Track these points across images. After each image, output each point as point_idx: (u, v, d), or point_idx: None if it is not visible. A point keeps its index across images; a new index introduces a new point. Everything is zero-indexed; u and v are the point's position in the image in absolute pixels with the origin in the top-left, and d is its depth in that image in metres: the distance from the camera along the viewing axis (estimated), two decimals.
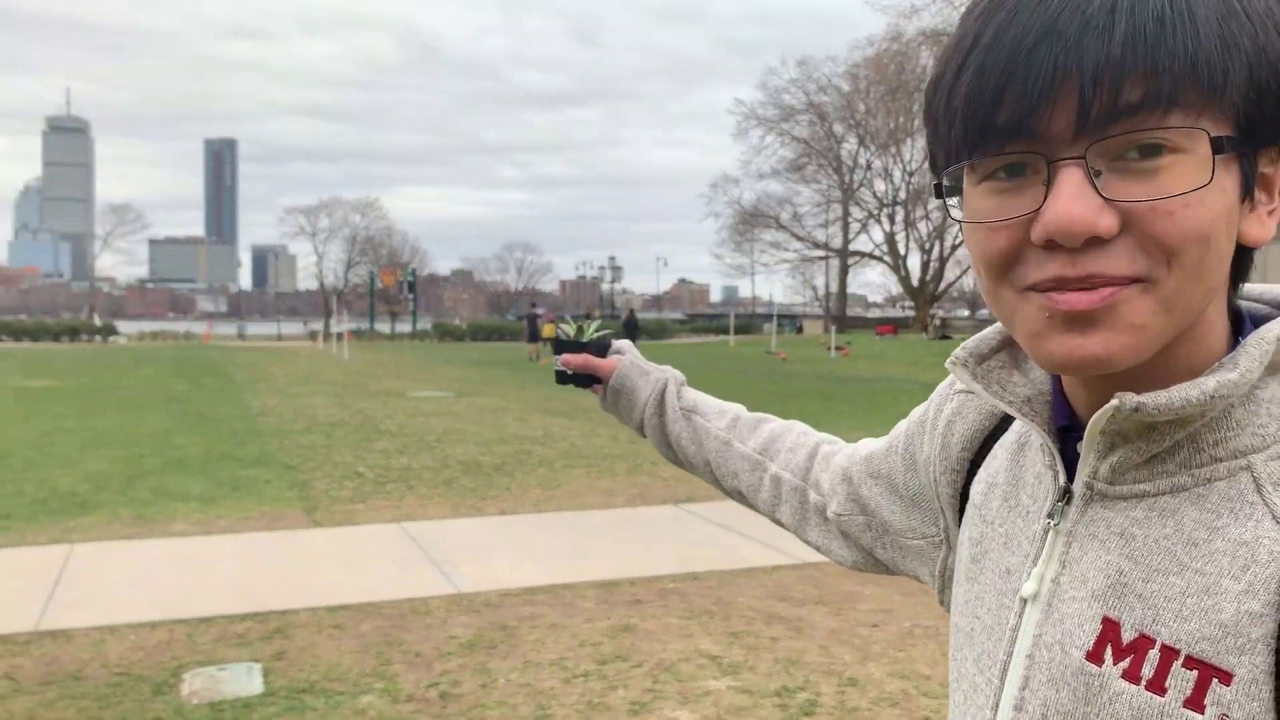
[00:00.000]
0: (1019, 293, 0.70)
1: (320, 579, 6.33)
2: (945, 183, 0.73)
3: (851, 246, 71.03)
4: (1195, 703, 0.67)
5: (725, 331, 63.20)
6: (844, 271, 72.90)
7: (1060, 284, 0.67)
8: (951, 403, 0.97)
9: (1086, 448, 0.75)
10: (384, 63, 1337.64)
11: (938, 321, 57.19)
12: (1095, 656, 0.72)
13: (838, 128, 66.41)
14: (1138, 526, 0.73)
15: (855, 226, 70.45)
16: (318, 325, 68.10)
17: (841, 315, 70.86)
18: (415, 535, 7.48)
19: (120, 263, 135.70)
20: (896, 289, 77.49)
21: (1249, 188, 0.69)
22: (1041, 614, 0.77)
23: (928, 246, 65.47)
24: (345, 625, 5.48)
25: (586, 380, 1.42)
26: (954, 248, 62.22)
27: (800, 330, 64.54)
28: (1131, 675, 0.70)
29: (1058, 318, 0.67)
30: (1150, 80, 0.63)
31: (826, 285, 76.61)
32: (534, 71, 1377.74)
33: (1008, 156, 0.67)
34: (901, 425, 1.09)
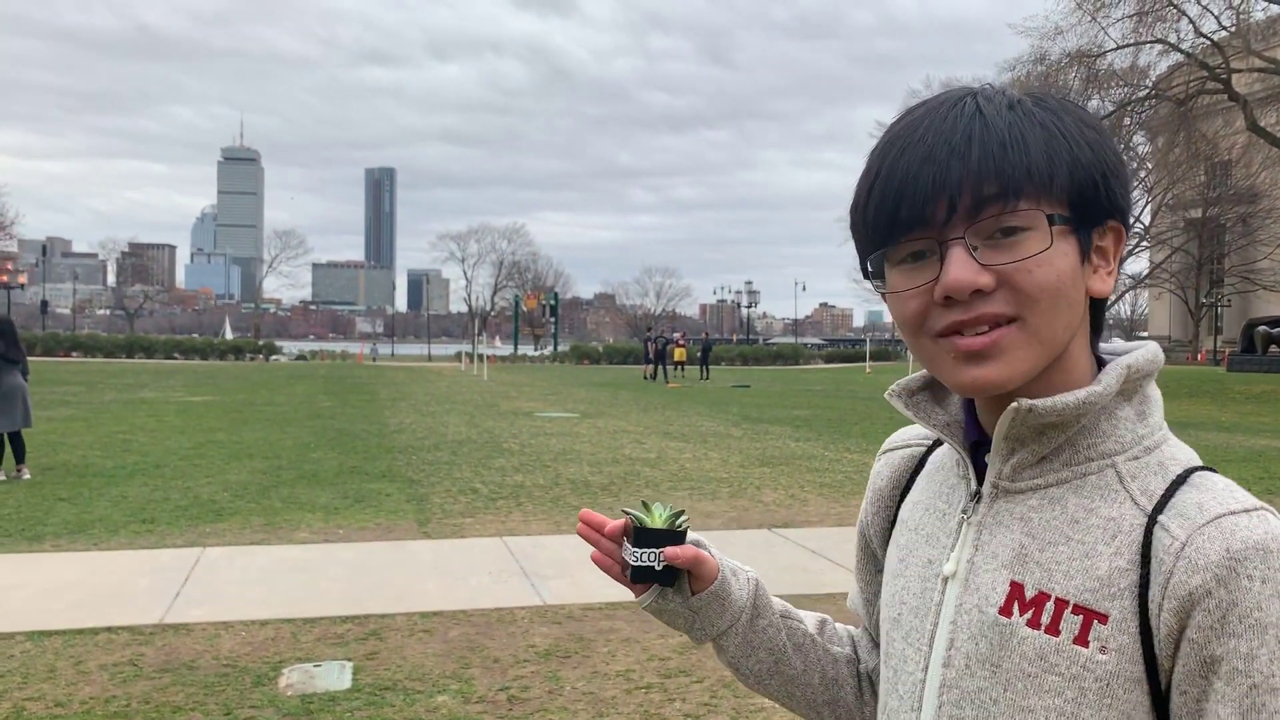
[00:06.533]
0: (932, 340, 0.94)
1: (420, 587, 6.73)
2: (870, 269, 0.98)
3: None
4: (1081, 639, 0.90)
5: (864, 358, 62.27)
6: None
7: (958, 327, 0.91)
8: (880, 462, 1.21)
9: (994, 452, 0.98)
10: (513, 86, 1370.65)
11: None
12: (1006, 611, 0.94)
13: None
14: (1034, 512, 0.96)
15: None
16: (464, 347, 70.19)
17: None
18: (514, 549, 7.83)
19: (284, 285, 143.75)
20: None
21: (1086, 253, 0.95)
22: (961, 587, 0.99)
23: None
24: (435, 630, 5.84)
25: (672, 576, 1.13)
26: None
27: None
28: (1033, 623, 0.92)
29: (961, 356, 0.92)
30: (999, 183, 0.89)
31: None
32: (662, 92, 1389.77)
33: (911, 244, 0.93)
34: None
